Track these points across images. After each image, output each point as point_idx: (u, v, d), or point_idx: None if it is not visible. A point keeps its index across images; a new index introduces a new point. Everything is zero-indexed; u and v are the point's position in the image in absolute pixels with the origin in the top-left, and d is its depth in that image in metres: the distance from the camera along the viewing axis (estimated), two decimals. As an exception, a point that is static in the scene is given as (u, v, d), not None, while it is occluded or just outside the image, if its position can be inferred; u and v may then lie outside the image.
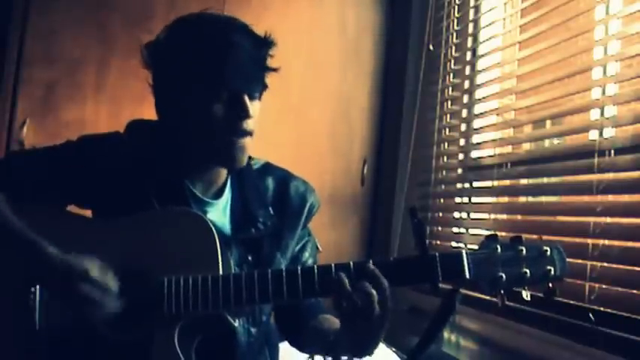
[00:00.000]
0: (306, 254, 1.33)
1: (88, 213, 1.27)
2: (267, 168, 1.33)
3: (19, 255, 1.12)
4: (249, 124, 1.16)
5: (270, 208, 1.27)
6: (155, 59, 1.21)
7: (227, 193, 1.27)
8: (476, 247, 1.11)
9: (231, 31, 1.16)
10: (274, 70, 1.20)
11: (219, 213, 1.25)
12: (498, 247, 1.08)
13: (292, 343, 1.35)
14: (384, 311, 1.04)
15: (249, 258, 1.22)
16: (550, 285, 1.06)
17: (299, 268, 1.10)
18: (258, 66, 1.18)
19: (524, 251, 1.07)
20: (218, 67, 1.13)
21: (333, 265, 1.08)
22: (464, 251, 1.08)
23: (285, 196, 1.30)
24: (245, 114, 1.15)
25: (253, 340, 1.23)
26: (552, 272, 1.06)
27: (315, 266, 1.10)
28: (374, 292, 1.03)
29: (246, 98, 1.15)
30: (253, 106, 1.17)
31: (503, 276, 1.06)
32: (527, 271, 1.06)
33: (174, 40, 1.19)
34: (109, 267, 1.09)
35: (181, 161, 1.23)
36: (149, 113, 1.30)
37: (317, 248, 1.36)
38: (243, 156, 1.18)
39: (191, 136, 1.20)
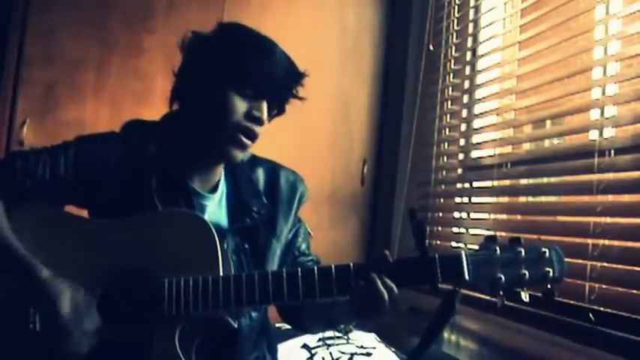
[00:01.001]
0: (299, 239, 1.37)
1: (85, 213, 1.27)
2: (256, 160, 1.37)
3: (7, 268, 1.14)
4: (258, 129, 1.21)
5: (263, 197, 1.31)
6: (200, 46, 1.24)
7: (222, 186, 1.30)
8: (476, 247, 1.12)
9: (276, 48, 1.22)
10: (300, 98, 1.27)
11: (216, 206, 1.28)
12: (497, 248, 1.08)
13: (294, 325, 1.41)
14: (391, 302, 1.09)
15: (246, 246, 1.26)
16: (549, 286, 1.07)
17: (299, 269, 1.11)
18: (288, 86, 1.23)
19: (522, 253, 1.08)
20: (257, 68, 1.18)
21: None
22: (463, 253, 1.09)
23: (276, 185, 1.34)
24: (260, 119, 1.19)
25: (254, 324, 1.27)
26: (551, 274, 1.07)
27: (316, 268, 1.11)
28: (386, 294, 1.08)
29: (265, 106, 1.20)
30: (266, 120, 1.22)
31: (503, 277, 1.07)
32: (526, 272, 1.06)
33: (226, 34, 1.24)
34: (89, 301, 1.11)
35: (181, 158, 1.25)
36: (149, 113, 1.31)
37: (309, 233, 1.40)
38: (241, 154, 1.23)
39: (202, 124, 1.22)
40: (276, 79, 1.20)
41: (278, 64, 1.20)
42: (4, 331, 1.13)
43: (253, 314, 1.26)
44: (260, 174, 1.34)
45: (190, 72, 1.24)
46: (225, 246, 1.21)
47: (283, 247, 1.33)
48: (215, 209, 1.27)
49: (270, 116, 1.25)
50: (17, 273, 1.12)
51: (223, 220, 1.27)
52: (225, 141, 1.20)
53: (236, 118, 1.18)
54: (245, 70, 1.18)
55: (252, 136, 1.21)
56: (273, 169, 1.37)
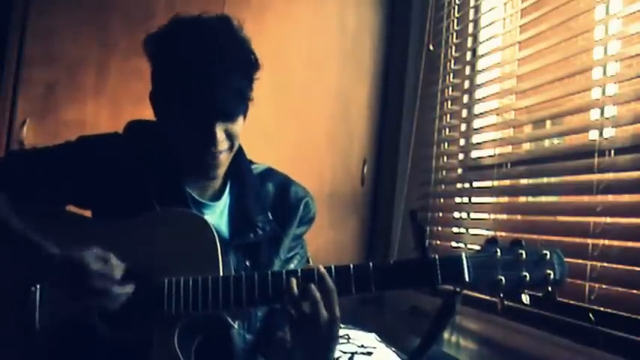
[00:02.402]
0: (291, 266, 1.31)
1: (88, 213, 1.27)
2: (269, 173, 1.33)
3: (20, 255, 1.12)
4: (219, 146, 1.15)
5: (270, 214, 1.27)
6: (153, 68, 1.22)
7: (226, 197, 1.27)
8: (476, 247, 1.12)
9: (210, 55, 1.12)
10: (248, 99, 1.18)
11: (217, 216, 1.26)
12: (498, 250, 1.08)
13: (259, 354, 1.32)
14: (331, 316, 1.05)
15: (247, 263, 1.23)
16: (549, 289, 1.07)
17: (299, 269, 1.11)
18: (234, 95, 1.14)
19: (523, 255, 1.07)
20: (190, 95, 1.12)
21: (284, 271, 1.09)
22: (463, 254, 1.08)
23: (284, 200, 1.30)
24: (213, 142, 1.14)
25: (249, 347, 1.23)
26: (552, 276, 1.07)
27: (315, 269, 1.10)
28: (318, 295, 1.05)
29: (218, 127, 1.14)
30: (234, 126, 1.17)
31: (503, 279, 1.06)
32: (527, 274, 1.06)
33: (158, 51, 1.19)
34: (110, 254, 1.08)
35: (177, 162, 1.23)
36: (149, 113, 1.31)
37: (307, 260, 1.36)
38: (214, 170, 1.19)
39: (177, 151, 1.21)
40: (221, 103, 1.12)
41: (215, 83, 1.11)
42: (3, 326, 1.13)
43: (248, 336, 1.23)
44: (270, 188, 1.30)
45: (152, 87, 1.23)
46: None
47: (281, 265, 1.29)
48: (216, 220, 1.24)
49: (234, 120, 1.17)
50: (25, 252, 1.11)
51: (225, 233, 1.24)
52: (196, 163, 1.18)
53: (193, 147, 1.15)
54: (182, 101, 1.13)
55: (217, 157, 1.16)
56: (284, 184, 1.32)
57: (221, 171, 1.20)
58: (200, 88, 1.11)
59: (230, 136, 1.17)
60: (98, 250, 1.08)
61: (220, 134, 1.15)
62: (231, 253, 1.21)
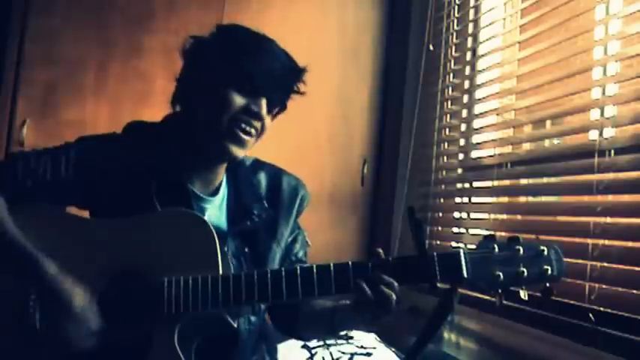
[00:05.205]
0: (297, 245, 1.37)
1: (86, 214, 1.27)
2: (259, 164, 1.37)
3: (14, 265, 1.13)
4: (256, 125, 1.20)
5: (265, 201, 1.31)
6: (199, 50, 1.24)
7: (223, 190, 1.30)
8: (475, 246, 1.12)
9: (274, 46, 1.23)
10: (301, 93, 1.27)
11: (216, 209, 1.28)
12: (496, 246, 1.08)
13: (288, 333, 1.39)
14: (398, 298, 1.09)
15: (246, 250, 1.25)
16: (547, 284, 1.06)
17: (297, 267, 1.11)
18: (288, 82, 1.23)
19: (521, 251, 1.08)
20: (254, 66, 1.18)
21: (350, 263, 1.10)
22: (462, 251, 1.09)
23: (277, 189, 1.34)
24: (258, 114, 1.19)
25: (254, 328, 1.26)
26: (549, 272, 1.07)
27: (315, 266, 1.11)
28: (393, 294, 1.07)
29: (264, 102, 1.20)
30: (267, 116, 1.22)
31: (501, 275, 1.07)
32: (525, 270, 1.06)
33: (224, 36, 1.24)
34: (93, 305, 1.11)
35: (181, 160, 1.24)
36: (149, 113, 1.31)
37: (307, 242, 1.40)
38: (240, 151, 1.22)
39: (200, 121, 1.21)
40: (274, 76, 1.20)
41: (276, 62, 1.21)
42: (3, 328, 1.13)
43: (252, 318, 1.25)
44: (262, 178, 1.34)
45: (191, 75, 1.25)
46: (226, 249, 1.20)
47: (282, 251, 1.33)
48: (215, 212, 1.27)
49: (272, 113, 1.25)
50: (22, 267, 1.11)
51: (223, 224, 1.27)
52: (223, 136, 1.19)
53: (232, 112, 1.18)
54: (243, 68, 1.18)
55: (249, 132, 1.20)
56: (276, 173, 1.37)
57: (242, 153, 1.22)
58: (262, 61, 1.19)
59: (262, 124, 1.22)
60: (87, 293, 1.11)
61: (263, 111, 1.20)
62: (230, 241, 1.24)
